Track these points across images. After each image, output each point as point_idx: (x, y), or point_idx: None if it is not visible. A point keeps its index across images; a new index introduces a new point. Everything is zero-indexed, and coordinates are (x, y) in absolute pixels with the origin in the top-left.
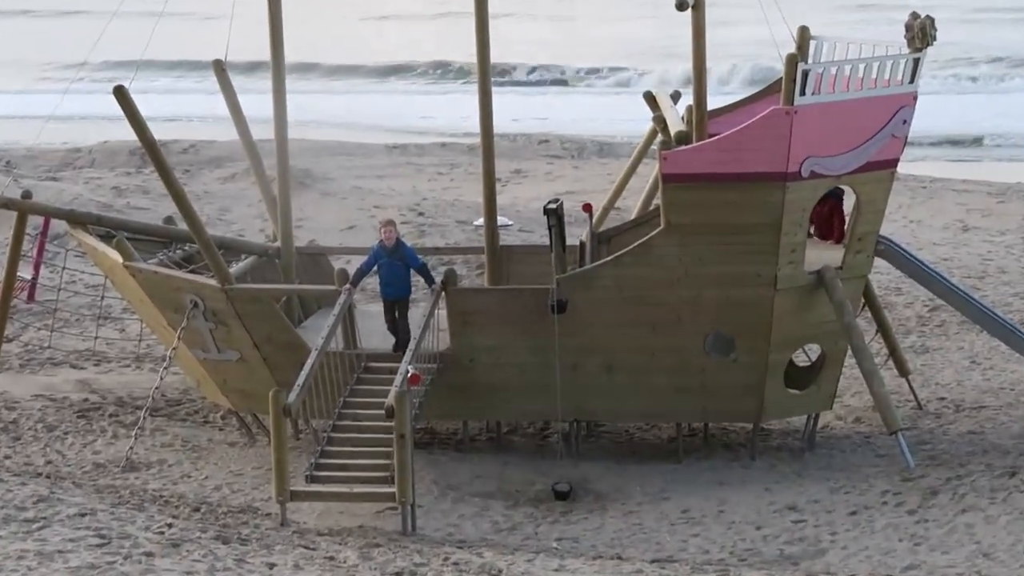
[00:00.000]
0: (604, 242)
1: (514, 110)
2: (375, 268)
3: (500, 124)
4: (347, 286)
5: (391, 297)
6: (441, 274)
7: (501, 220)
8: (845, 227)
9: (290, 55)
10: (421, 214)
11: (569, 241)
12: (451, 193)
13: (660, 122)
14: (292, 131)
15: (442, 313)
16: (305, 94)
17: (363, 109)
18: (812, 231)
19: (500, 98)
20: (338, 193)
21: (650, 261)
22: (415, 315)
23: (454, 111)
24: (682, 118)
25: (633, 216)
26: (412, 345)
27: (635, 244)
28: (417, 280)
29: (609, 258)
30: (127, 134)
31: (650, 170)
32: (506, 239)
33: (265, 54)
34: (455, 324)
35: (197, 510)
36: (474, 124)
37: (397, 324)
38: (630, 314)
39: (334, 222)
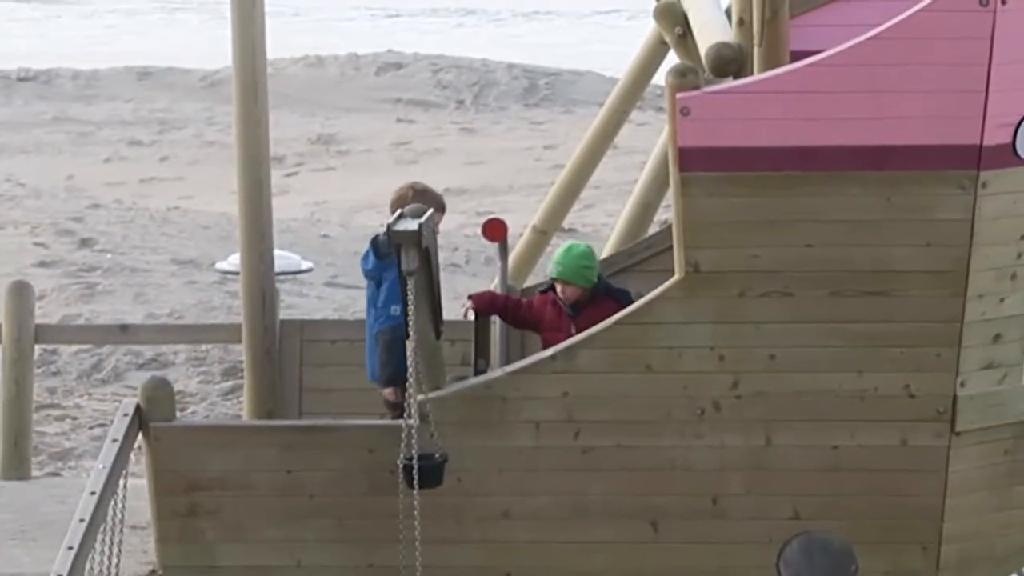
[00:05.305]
0: None
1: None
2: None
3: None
4: None
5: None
6: (135, 391)
7: (285, 259)
8: None
9: None
10: (87, 243)
11: (451, 309)
12: (163, 191)
13: (668, 17)
14: None
15: (139, 484)
16: None
17: None
18: None
19: None
20: None
21: (648, 356)
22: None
23: None
24: (726, 11)
25: (607, 248)
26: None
27: (611, 319)
28: None
29: (550, 351)
30: None
31: (645, 141)
32: (299, 303)
33: None
34: (166, 519)
35: None
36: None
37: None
38: (608, 485)
39: None
